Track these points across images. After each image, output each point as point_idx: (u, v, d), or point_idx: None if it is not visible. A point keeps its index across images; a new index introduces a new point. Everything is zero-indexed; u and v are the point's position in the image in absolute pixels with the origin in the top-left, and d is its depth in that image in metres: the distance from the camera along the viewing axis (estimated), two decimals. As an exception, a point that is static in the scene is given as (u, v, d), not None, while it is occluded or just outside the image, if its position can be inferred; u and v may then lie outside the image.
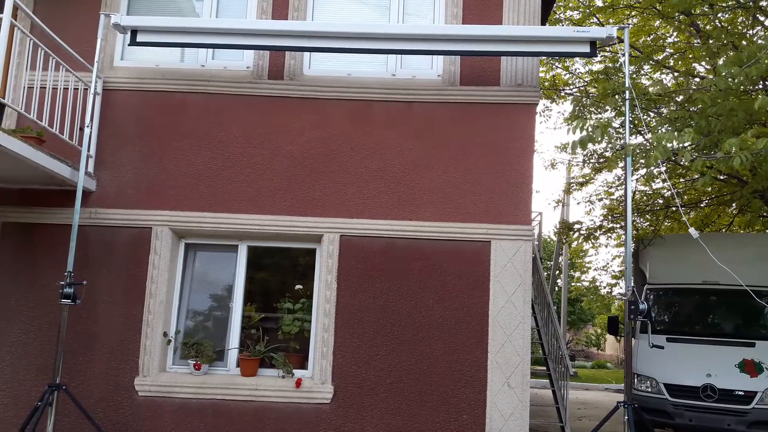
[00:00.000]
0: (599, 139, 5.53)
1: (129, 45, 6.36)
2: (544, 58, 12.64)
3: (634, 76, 10.93)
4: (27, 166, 5.60)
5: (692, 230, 5.63)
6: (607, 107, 9.28)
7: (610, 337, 29.45)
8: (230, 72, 6.87)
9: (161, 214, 6.55)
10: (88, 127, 6.19)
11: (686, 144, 5.19)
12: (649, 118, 10.63)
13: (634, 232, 11.49)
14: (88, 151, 6.26)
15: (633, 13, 11.68)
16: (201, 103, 6.77)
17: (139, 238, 6.54)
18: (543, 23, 7.40)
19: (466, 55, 6.59)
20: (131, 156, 6.69)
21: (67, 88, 6.21)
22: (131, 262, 6.50)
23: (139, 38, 6.24)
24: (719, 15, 9.63)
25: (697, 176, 10.77)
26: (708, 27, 9.93)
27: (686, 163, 5.73)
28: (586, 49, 6.25)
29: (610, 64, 11.92)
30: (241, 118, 6.74)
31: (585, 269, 25.55)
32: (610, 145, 12.17)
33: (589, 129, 5.54)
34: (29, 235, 6.53)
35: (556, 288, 23.28)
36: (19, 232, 6.54)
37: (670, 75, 11.82)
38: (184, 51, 7.12)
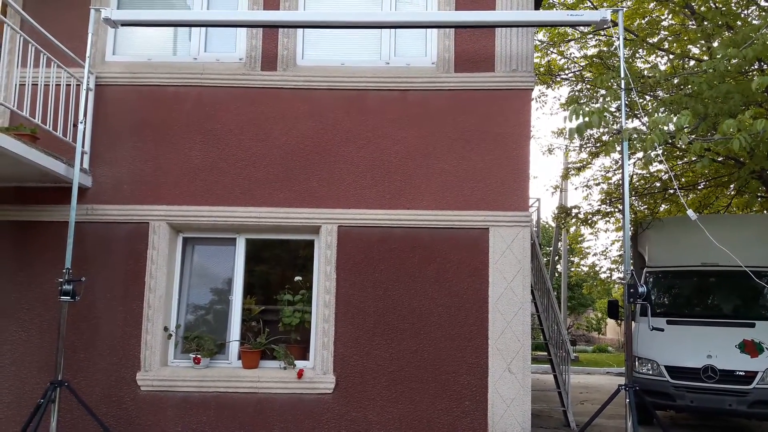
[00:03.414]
0: (596, 125, 5.50)
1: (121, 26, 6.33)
2: (538, 43, 12.63)
3: (630, 59, 10.88)
4: (21, 163, 5.57)
5: (690, 212, 5.61)
6: (603, 92, 9.25)
7: (610, 321, 29.52)
8: (223, 64, 6.83)
9: (158, 209, 6.54)
10: (81, 123, 6.16)
11: (684, 126, 5.15)
12: (645, 102, 10.59)
13: (632, 215, 11.48)
14: (83, 147, 6.24)
15: (627, -5, 11.62)
16: (194, 96, 6.73)
17: (137, 233, 6.52)
18: (537, 7, 7.36)
19: (463, 27, 6.60)
20: (126, 151, 6.66)
21: (60, 85, 6.17)
22: (129, 257, 6.49)
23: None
24: (713, -4, 9.57)
25: (694, 158, 10.75)
26: (702, 8, 9.88)
27: (683, 146, 5.70)
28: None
29: (605, 48, 11.89)
30: (235, 110, 6.70)
31: (584, 254, 25.57)
32: (606, 130, 12.14)
33: (585, 118, 5.51)
34: (26, 233, 6.51)
35: (556, 274, 23.32)
36: (16, 230, 6.52)
37: (665, 58, 11.76)
38: (176, 44, 7.09)
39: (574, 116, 5.61)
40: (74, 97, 6.40)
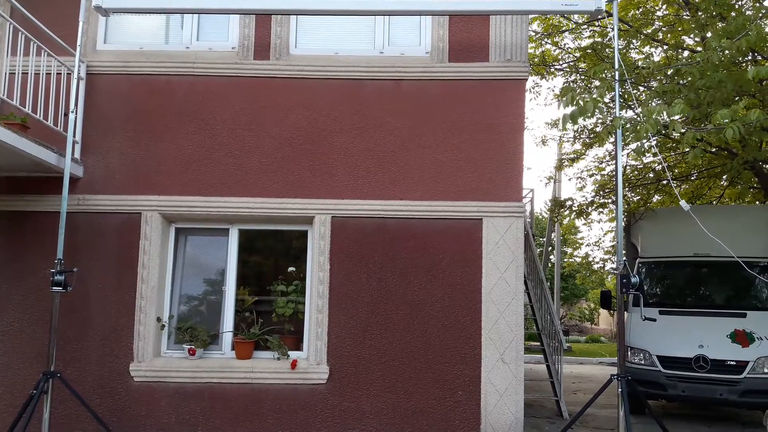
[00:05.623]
0: (590, 113, 5.47)
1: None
2: (532, 33, 12.59)
3: (624, 50, 10.86)
4: (12, 153, 5.52)
5: (683, 203, 5.62)
6: (597, 81, 9.23)
7: (603, 312, 29.67)
8: (215, 53, 6.77)
9: (150, 199, 6.50)
10: (72, 112, 6.10)
11: (676, 117, 5.15)
12: (638, 93, 10.59)
13: (626, 206, 11.51)
14: (74, 136, 6.18)
15: (622, -14, 11.57)
16: (187, 85, 6.68)
17: (129, 223, 6.48)
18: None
19: (457, 15, 6.60)
20: (118, 141, 6.61)
21: (50, 73, 6.11)
22: (122, 247, 6.46)
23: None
24: (708, -14, 9.53)
25: (687, 149, 10.77)
26: (697, -1, 9.86)
27: (677, 136, 5.71)
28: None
29: (599, 39, 11.86)
30: (227, 100, 6.66)
31: (577, 245, 25.66)
32: (600, 120, 12.15)
33: (580, 102, 5.48)
34: (17, 223, 6.46)
35: (550, 264, 23.38)
36: (6, 220, 6.47)
37: (659, 48, 11.75)
38: (168, 33, 7.02)
39: (568, 103, 5.56)
40: (65, 86, 6.34)
